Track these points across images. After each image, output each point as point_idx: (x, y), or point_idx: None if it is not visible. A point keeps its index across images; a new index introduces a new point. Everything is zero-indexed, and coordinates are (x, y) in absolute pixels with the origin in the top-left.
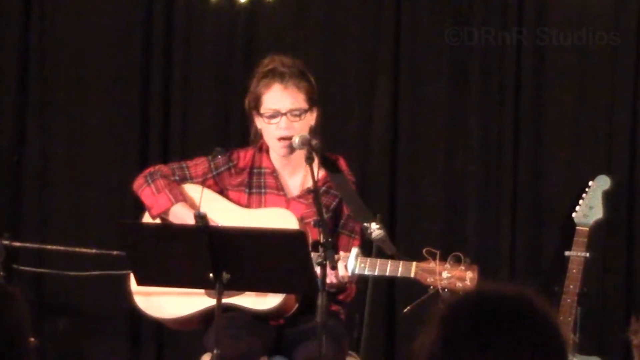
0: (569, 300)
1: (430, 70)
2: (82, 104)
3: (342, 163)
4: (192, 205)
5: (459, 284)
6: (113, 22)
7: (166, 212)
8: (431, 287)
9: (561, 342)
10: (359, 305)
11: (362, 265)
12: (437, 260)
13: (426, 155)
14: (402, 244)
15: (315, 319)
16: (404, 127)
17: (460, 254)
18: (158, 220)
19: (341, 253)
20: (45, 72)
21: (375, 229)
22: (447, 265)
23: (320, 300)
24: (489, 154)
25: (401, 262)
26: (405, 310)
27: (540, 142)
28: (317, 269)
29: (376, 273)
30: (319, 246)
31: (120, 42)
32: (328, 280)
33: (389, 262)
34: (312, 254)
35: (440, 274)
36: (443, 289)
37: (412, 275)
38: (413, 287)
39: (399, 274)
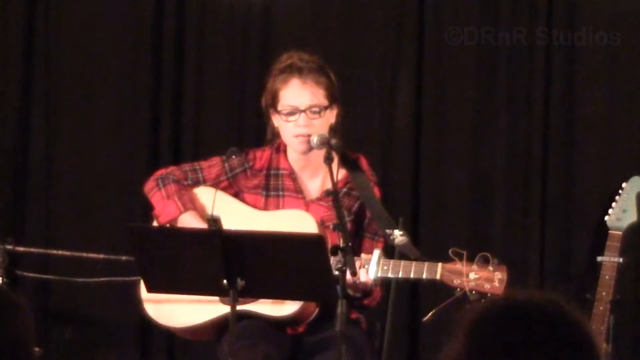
0: (601, 308)
1: (454, 67)
2: (89, 102)
3: (364, 162)
4: (203, 211)
5: (487, 286)
6: (122, 16)
7: (174, 220)
8: (458, 289)
9: (595, 352)
10: (381, 312)
11: (385, 268)
12: (464, 261)
13: (451, 155)
14: (426, 248)
15: (334, 327)
16: (427, 125)
17: (488, 255)
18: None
19: (362, 256)
20: (50, 69)
21: (398, 236)
22: (475, 266)
23: (340, 307)
24: (517, 153)
25: (426, 264)
26: (430, 314)
27: (571, 142)
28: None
29: (400, 276)
30: (339, 251)
31: (130, 37)
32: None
33: (413, 263)
34: (332, 259)
35: (467, 275)
36: (470, 291)
37: (438, 277)
38: (438, 293)
39: (424, 276)
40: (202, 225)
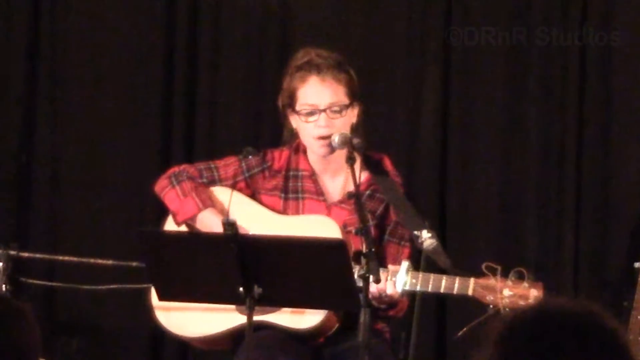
0: (639, 317)
1: (484, 64)
2: (97, 99)
3: (387, 162)
4: (221, 210)
5: (522, 303)
6: (132, 7)
7: (193, 218)
8: (491, 306)
9: None
10: (406, 322)
11: (414, 280)
12: (498, 277)
13: (480, 156)
14: (453, 255)
15: (357, 337)
16: (454, 124)
17: (523, 270)
18: (183, 228)
19: (390, 267)
20: (56, 64)
21: (427, 238)
22: (509, 282)
23: (363, 317)
24: (549, 154)
25: (457, 278)
26: (462, 331)
27: (607, 142)
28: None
29: (429, 290)
30: (362, 257)
31: (140, 32)
32: (384, 299)
33: (444, 277)
34: (354, 266)
35: (501, 291)
36: (504, 308)
37: (470, 292)
38: (466, 304)
39: (455, 291)
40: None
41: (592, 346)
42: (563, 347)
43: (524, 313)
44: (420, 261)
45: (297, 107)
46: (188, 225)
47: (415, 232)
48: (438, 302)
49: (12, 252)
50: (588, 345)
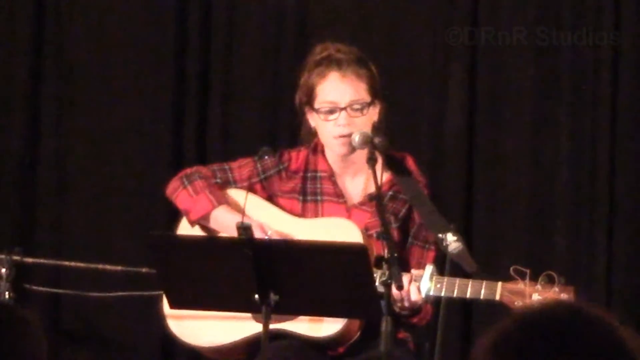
0: None
1: (512, 59)
2: (105, 97)
3: (411, 162)
4: (237, 208)
5: None
6: (142, 2)
7: (206, 216)
8: None
9: (631, 357)
10: (430, 331)
11: (439, 285)
12: (527, 281)
13: (508, 156)
14: (480, 260)
15: (378, 347)
16: (481, 123)
17: (553, 274)
18: (197, 229)
19: (413, 272)
20: (62, 61)
21: (452, 242)
22: (538, 287)
23: (385, 326)
24: (581, 154)
25: (484, 283)
26: None
27: None
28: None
29: (455, 295)
30: (383, 262)
31: (151, 25)
32: (405, 304)
33: (470, 282)
34: (376, 272)
35: (530, 296)
36: None
37: (498, 297)
38: (492, 311)
39: (481, 297)
40: (239, 219)
41: (583, 351)
42: (549, 349)
43: (512, 322)
44: (444, 265)
45: (316, 105)
46: (202, 227)
47: (440, 235)
48: (464, 310)
49: (16, 258)
50: (577, 351)
